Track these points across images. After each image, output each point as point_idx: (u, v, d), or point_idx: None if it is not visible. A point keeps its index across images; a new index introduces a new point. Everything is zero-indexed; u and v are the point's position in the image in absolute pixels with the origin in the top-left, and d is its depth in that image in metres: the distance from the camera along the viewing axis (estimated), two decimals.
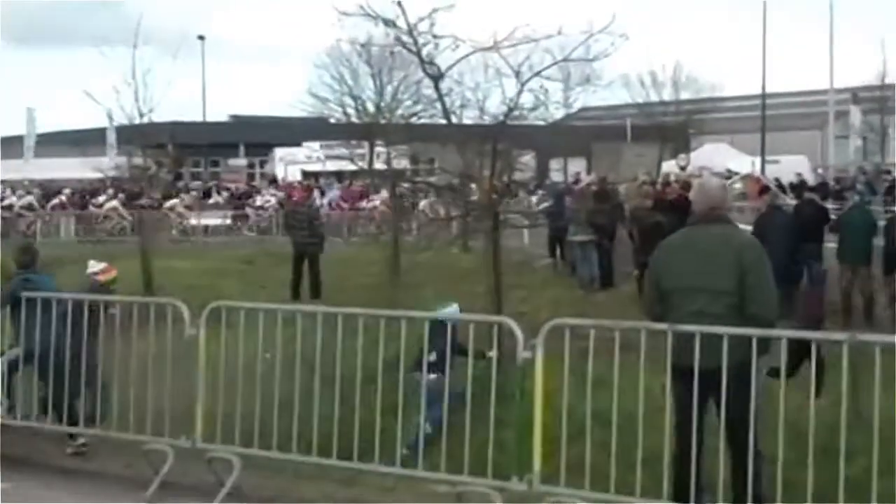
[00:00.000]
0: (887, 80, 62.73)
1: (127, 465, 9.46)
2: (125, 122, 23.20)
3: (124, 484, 9.05)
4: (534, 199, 32.92)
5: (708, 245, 7.69)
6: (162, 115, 23.62)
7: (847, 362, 7.02)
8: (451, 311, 11.23)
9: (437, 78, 14.60)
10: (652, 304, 7.96)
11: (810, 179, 44.52)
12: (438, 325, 10.01)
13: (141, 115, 22.17)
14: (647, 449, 7.60)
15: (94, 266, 11.99)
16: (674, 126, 62.38)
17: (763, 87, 52.15)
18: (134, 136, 25.26)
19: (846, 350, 7.04)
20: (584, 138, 58.14)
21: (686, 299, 7.58)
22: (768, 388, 7.52)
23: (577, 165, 55.14)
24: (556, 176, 52.06)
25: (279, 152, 57.21)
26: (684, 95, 70.65)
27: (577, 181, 34.48)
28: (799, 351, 8.01)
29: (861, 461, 7.09)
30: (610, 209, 23.62)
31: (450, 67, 14.60)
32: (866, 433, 6.99)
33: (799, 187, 33.59)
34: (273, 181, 50.44)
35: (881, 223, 20.30)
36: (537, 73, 14.38)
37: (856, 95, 56.51)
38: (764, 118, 52.25)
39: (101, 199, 40.52)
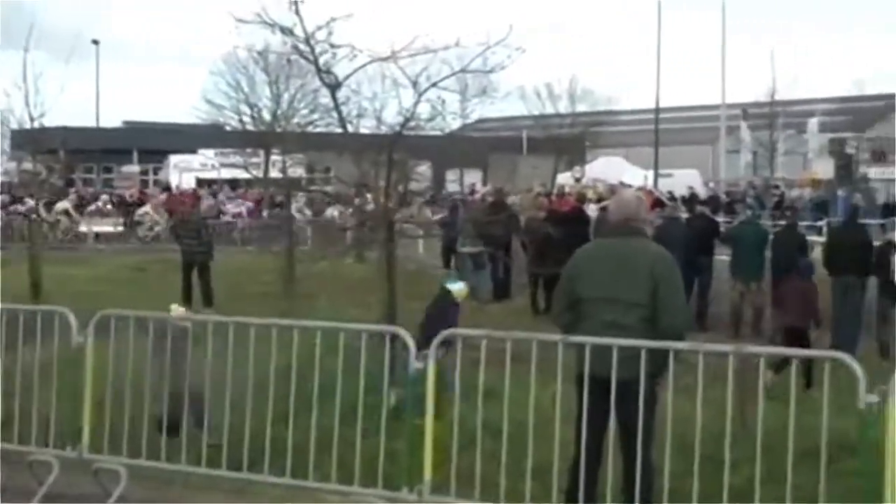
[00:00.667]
0: (776, 97, 64.11)
1: (10, 476, 9.25)
2: (15, 126, 22.83)
3: (7, 495, 8.85)
4: (428, 210, 32.95)
5: (622, 256, 7.73)
6: (54, 120, 23.30)
7: (732, 373, 7.13)
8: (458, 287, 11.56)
9: (333, 87, 14.57)
10: (562, 313, 7.98)
11: (702, 193, 45.29)
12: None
13: (32, 120, 21.81)
14: (538, 458, 7.65)
15: None
16: (569, 138, 63.02)
17: (657, 102, 53.06)
18: (25, 140, 24.85)
19: (732, 361, 7.14)
20: (480, 149, 58.49)
21: (598, 309, 7.62)
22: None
23: (473, 176, 55.44)
24: (452, 187, 52.26)
25: (173, 159, 56.63)
26: (580, 108, 71.44)
27: (472, 192, 34.67)
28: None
29: (745, 470, 7.20)
30: (505, 220, 23.75)
31: (347, 77, 14.59)
32: (752, 443, 7.10)
33: (690, 201, 34.14)
34: (167, 188, 49.93)
35: (771, 237, 20.74)
36: (434, 84, 14.42)
37: (746, 111, 57.74)
38: (657, 132, 53.09)
39: None
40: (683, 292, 7.80)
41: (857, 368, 6.62)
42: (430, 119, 15.28)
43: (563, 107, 71.18)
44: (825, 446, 6.84)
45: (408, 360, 7.83)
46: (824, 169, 60.82)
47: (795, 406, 7.08)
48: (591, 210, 25.50)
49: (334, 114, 15.39)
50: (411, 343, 7.86)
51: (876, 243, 19.59)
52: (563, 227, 21.87)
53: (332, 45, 14.11)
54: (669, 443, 7.22)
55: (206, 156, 54.54)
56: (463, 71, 14.96)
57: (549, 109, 71.06)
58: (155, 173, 61.55)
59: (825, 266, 19.06)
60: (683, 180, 47.07)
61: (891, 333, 17.67)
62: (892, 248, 18.22)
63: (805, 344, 15.18)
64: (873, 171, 68.15)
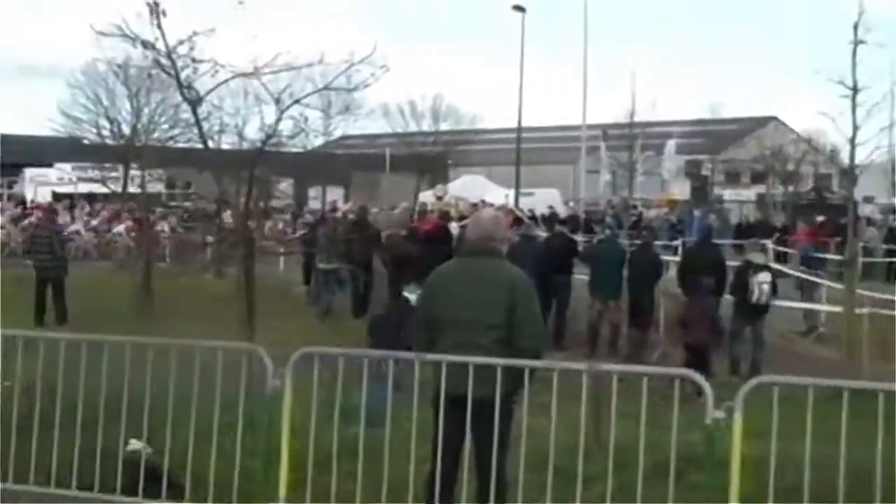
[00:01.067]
0: (635, 119, 65.25)
1: None
2: None
3: None
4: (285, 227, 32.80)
5: (479, 277, 7.72)
6: None
7: (587, 390, 7.26)
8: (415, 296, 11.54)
9: (195, 102, 14.43)
10: (420, 331, 7.97)
11: (562, 212, 45.89)
12: None
13: None
14: (394, 476, 7.68)
15: None
16: (432, 156, 63.24)
17: (519, 122, 53.49)
18: None
19: (585, 379, 7.27)
20: (343, 166, 58.44)
21: (455, 329, 7.61)
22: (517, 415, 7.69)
23: (335, 194, 55.27)
24: (314, 204, 52.06)
25: (29, 173, 55.31)
26: (443, 127, 71.81)
27: (333, 209, 34.58)
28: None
29: (598, 485, 7.34)
30: (366, 237, 23.78)
31: (208, 92, 14.47)
32: (606, 458, 7.23)
33: (550, 219, 34.57)
34: (22, 203, 48.76)
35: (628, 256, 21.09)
36: (297, 101, 14.40)
37: (606, 132, 58.69)
38: (519, 151, 53.54)
39: None
40: (540, 314, 7.85)
41: (705, 385, 6.79)
42: (293, 136, 15.26)
43: (427, 125, 71.60)
44: (674, 461, 7.00)
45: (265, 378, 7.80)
46: (681, 190, 62.17)
47: (648, 422, 7.24)
48: (454, 228, 25.64)
49: (195, 129, 15.24)
50: (268, 361, 7.82)
51: (731, 263, 20.11)
52: (425, 245, 22.01)
53: (194, 60, 13.99)
54: (523, 458, 7.31)
55: (63, 170, 53.40)
56: (326, 88, 14.97)
57: (413, 127, 71.39)
58: (10, 187, 60.04)
59: (679, 285, 19.51)
60: (544, 199, 47.64)
61: (743, 351, 18.15)
62: (750, 268, 18.69)
63: (706, 361, 15.76)
64: (727, 193, 70.02)
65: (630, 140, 62.31)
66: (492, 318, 7.55)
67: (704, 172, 75.47)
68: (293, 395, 7.72)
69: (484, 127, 75.74)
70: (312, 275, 24.99)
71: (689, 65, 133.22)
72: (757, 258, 19.40)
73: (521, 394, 7.42)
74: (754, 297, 18.21)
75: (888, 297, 21.27)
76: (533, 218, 35.75)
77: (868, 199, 64.66)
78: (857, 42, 17.51)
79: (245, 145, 15.77)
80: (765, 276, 18.36)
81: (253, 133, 15.43)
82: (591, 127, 55.16)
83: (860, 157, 19.53)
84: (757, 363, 17.59)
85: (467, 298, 7.64)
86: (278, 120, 14.40)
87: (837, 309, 17.56)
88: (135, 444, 8.39)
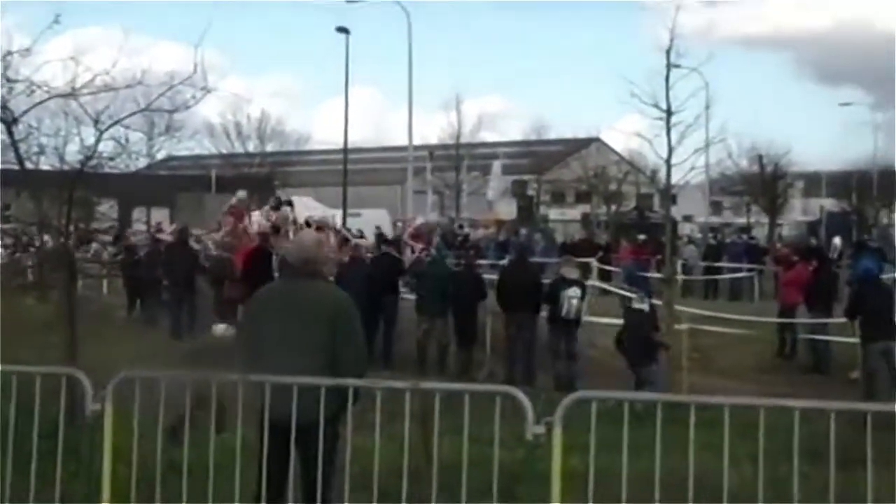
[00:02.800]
0: (461, 140, 66.05)
1: None
2: None
3: None
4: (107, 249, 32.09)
5: (300, 300, 7.70)
6: None
7: (412, 409, 7.32)
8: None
9: (10, 123, 14.09)
10: (242, 353, 7.91)
11: (389, 232, 46.00)
12: None
13: None
14: (220, 499, 7.63)
15: None
16: (259, 177, 62.86)
17: (345, 143, 53.56)
18: None
19: (409, 397, 7.33)
20: (168, 188, 57.57)
21: (278, 352, 7.57)
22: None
23: (160, 215, 54.43)
24: (138, 226, 51.16)
25: None
26: (269, 148, 71.54)
27: (159, 230, 34.05)
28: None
29: None
30: (186, 259, 23.57)
31: (24, 112, 14.12)
32: (433, 478, 7.31)
33: (377, 240, 34.58)
34: None
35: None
36: (117, 122, 14.15)
37: (432, 153, 59.22)
38: (346, 172, 53.59)
39: None
40: (362, 337, 7.84)
41: (525, 401, 6.92)
42: (114, 157, 14.98)
43: (253, 146, 71.27)
44: (497, 477, 7.10)
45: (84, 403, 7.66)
46: (507, 210, 63.02)
47: (476, 440, 7.33)
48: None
49: (12, 150, 14.87)
50: (88, 385, 7.69)
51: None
52: (246, 268, 21.88)
53: (9, 80, 13.67)
54: (349, 480, 7.34)
55: None
56: (147, 109, 14.76)
57: (239, 148, 70.97)
58: None
59: (498, 303, 19.87)
60: (372, 219, 47.70)
61: (563, 366, 18.52)
62: (562, 282, 19.11)
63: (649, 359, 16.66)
64: (553, 212, 71.30)
65: (456, 161, 63.07)
66: (313, 342, 7.53)
67: (530, 192, 76.68)
68: (115, 419, 7.61)
69: (310, 148, 75.86)
70: (143, 298, 24.68)
71: (514, 87, 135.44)
72: (569, 273, 19.82)
73: (346, 415, 7.43)
74: (563, 311, 18.64)
75: (706, 313, 22.01)
76: (362, 237, 35.69)
77: (687, 219, 66.67)
78: (669, 66, 18.07)
79: (65, 167, 15.41)
80: (574, 291, 18.82)
81: (73, 154, 15.08)
82: (417, 148, 55.55)
83: (677, 178, 20.16)
84: (572, 377, 17.97)
85: (287, 321, 7.62)
86: (98, 141, 14.11)
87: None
88: None
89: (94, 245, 27.39)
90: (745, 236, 46.70)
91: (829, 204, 69.63)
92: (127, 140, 14.86)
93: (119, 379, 7.70)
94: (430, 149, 60.87)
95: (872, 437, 6.62)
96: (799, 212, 76.72)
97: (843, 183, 73.76)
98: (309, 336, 7.55)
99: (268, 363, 7.57)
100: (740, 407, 7.27)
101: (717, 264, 38.24)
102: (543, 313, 19.36)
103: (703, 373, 18.37)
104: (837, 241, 38.02)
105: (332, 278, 17.62)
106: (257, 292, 8.20)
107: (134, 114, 14.51)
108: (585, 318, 19.55)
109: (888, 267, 32.30)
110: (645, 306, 17.32)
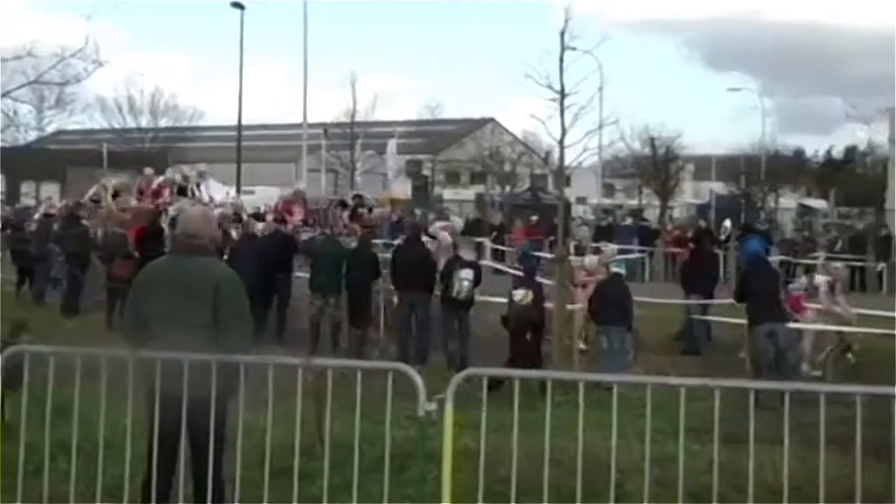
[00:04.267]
0: (356, 119, 65.85)
1: None
2: None
3: None
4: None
5: (185, 275, 7.64)
6: None
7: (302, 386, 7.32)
8: None
9: None
10: (130, 330, 7.83)
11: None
12: None
13: None
14: (111, 476, 7.57)
15: None
16: (151, 153, 62.07)
17: (239, 119, 53.02)
18: None
19: (301, 374, 7.33)
20: (58, 162, 56.51)
21: (163, 329, 7.52)
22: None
23: (50, 189, 53.46)
24: (26, 200, 50.19)
25: None
26: (163, 123, 70.68)
27: (51, 206, 33.52)
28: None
29: (317, 483, 7.43)
30: (78, 234, 23.26)
31: None
32: (325, 455, 7.31)
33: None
34: None
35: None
36: (5, 94, 13.99)
37: (327, 131, 58.89)
38: (240, 149, 53.10)
39: None
40: (248, 313, 7.75)
41: (417, 379, 6.96)
42: (2, 129, 14.74)
43: (146, 121, 70.37)
44: (388, 455, 7.13)
45: None
46: (402, 189, 62.94)
47: (369, 417, 7.36)
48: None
49: None
50: None
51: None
52: (142, 242, 21.67)
53: None
54: (241, 457, 7.33)
55: None
56: (37, 82, 14.58)
57: (131, 123, 70.02)
58: None
59: (391, 282, 19.91)
60: (266, 197, 47.31)
61: (457, 346, 18.61)
62: (456, 262, 19.18)
63: (535, 336, 17.21)
64: (448, 192, 71.41)
65: (351, 139, 62.80)
66: (197, 318, 7.49)
67: (425, 172, 76.73)
68: (2, 396, 7.49)
69: (204, 124, 75.03)
70: (32, 272, 24.35)
71: (409, 66, 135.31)
72: (466, 254, 19.94)
73: (237, 391, 7.40)
74: (454, 291, 18.73)
75: None
76: (258, 217, 35.37)
77: (581, 200, 67.26)
78: (563, 48, 18.20)
79: None
80: (467, 273, 18.87)
81: None
82: (312, 125, 55.19)
83: (570, 159, 20.38)
84: (464, 356, 18.08)
85: (174, 297, 7.58)
86: None
87: (549, 305, 18.16)
88: None
89: None
90: (636, 218, 47.22)
91: (719, 187, 70.66)
92: (15, 113, 14.70)
93: (8, 354, 7.59)
94: (326, 126, 60.52)
95: (756, 416, 6.77)
96: (690, 195, 77.83)
97: (733, 167, 75.05)
98: (192, 312, 7.50)
99: (154, 340, 7.52)
100: (628, 385, 7.39)
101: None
102: (437, 292, 19.41)
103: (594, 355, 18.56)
104: (728, 223, 38.57)
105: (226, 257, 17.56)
106: (144, 268, 8.15)
107: (23, 86, 14.37)
108: (479, 298, 19.62)
109: (774, 250, 33.01)
110: (528, 300, 17.49)
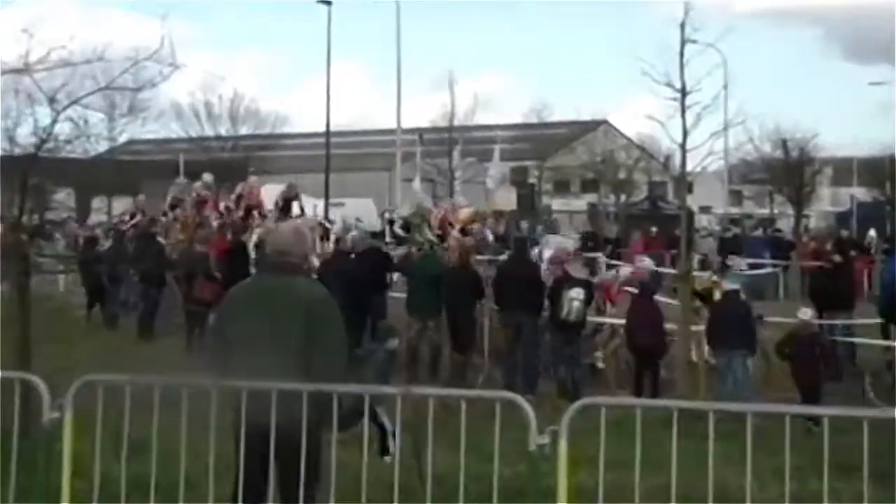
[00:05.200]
0: (455, 123, 65.79)
1: None
2: None
3: None
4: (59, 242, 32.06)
5: (274, 297, 7.65)
6: None
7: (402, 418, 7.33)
8: None
9: None
10: (214, 357, 7.89)
11: (376, 224, 45.93)
12: None
13: None
14: None
15: None
16: (232, 163, 62.66)
17: (327, 125, 53.47)
18: None
19: (400, 403, 7.34)
20: (131, 174, 57.40)
21: (248, 356, 7.53)
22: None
23: (123, 204, 54.35)
24: (98, 216, 51.03)
25: None
26: (243, 130, 71.28)
27: (122, 222, 34.04)
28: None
29: None
30: (155, 253, 23.56)
31: None
32: (426, 494, 7.30)
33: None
34: None
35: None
36: (75, 102, 14.12)
37: (422, 137, 59.08)
38: (328, 158, 53.53)
39: None
40: (342, 339, 7.72)
41: (528, 409, 6.91)
42: (71, 140, 14.96)
43: (225, 129, 71.06)
44: (497, 494, 7.10)
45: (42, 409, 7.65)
46: (506, 199, 62.90)
47: (473, 451, 7.33)
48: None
49: None
50: (45, 390, 7.66)
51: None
52: (224, 261, 21.91)
53: None
54: (334, 495, 7.34)
55: None
56: (108, 87, 14.75)
57: (209, 131, 70.72)
58: None
59: (496, 302, 19.80)
60: (357, 210, 47.64)
61: (569, 372, 18.49)
62: (566, 281, 19.01)
63: (656, 360, 17.16)
64: (556, 203, 71.24)
65: (449, 145, 62.87)
66: (287, 344, 7.48)
67: (531, 180, 76.67)
68: (74, 428, 7.59)
69: (289, 131, 75.61)
70: (103, 295, 24.70)
71: (512, 65, 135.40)
72: (575, 271, 19.73)
73: (330, 423, 7.40)
74: (563, 313, 18.56)
75: None
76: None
77: (705, 209, 66.72)
78: (684, 41, 17.99)
79: (17, 151, 15.38)
80: (577, 292, 18.64)
81: (25, 137, 15.04)
82: (406, 131, 55.47)
83: (692, 164, 20.09)
84: (577, 384, 17.96)
85: (261, 321, 7.58)
86: (54, 122, 14.08)
87: (672, 326, 18.00)
88: None
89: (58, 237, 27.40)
90: (768, 229, 46.71)
91: (861, 193, 69.64)
92: (86, 121, 14.85)
93: (80, 384, 7.69)
94: (421, 132, 60.79)
95: None
96: (828, 202, 76.80)
97: (876, 170, 73.64)
98: (280, 337, 7.50)
99: (240, 367, 7.54)
100: (764, 415, 7.27)
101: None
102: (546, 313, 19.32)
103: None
104: (872, 233, 37.99)
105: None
106: (230, 290, 8.17)
107: (93, 92, 14.47)
108: (591, 319, 19.51)
109: None
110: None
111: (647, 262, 23.49)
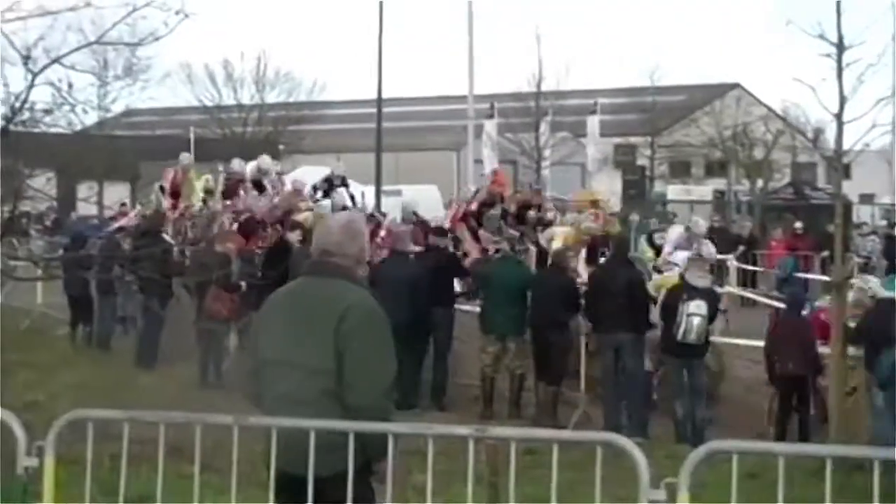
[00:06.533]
0: (543, 88, 65.32)
1: None
2: None
3: None
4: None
5: (309, 305, 7.65)
6: None
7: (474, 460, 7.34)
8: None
9: None
10: (248, 381, 7.95)
11: (442, 217, 45.89)
12: None
13: None
14: None
15: None
16: (256, 139, 62.77)
17: (379, 91, 53.28)
18: None
19: (472, 446, 7.35)
20: (128, 154, 57.71)
21: (276, 377, 7.57)
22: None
23: (118, 192, 54.59)
24: (85, 208, 51.25)
25: None
26: (271, 98, 71.24)
27: (121, 213, 34.32)
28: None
29: None
30: (160, 254, 23.63)
31: None
32: None
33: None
34: None
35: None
36: (56, 60, 14.23)
37: (493, 106, 58.72)
38: (380, 132, 53.51)
39: None
40: (384, 355, 7.56)
41: (638, 455, 6.90)
42: (51, 110, 15.05)
43: (248, 95, 71.11)
44: None
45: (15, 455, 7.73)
46: (609, 185, 62.74)
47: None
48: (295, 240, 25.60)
49: None
50: (19, 431, 7.72)
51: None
52: (266, 265, 21.97)
53: None
54: None
55: None
56: (98, 42, 14.84)
57: (229, 99, 70.81)
58: None
59: (587, 318, 19.64)
60: (416, 198, 47.67)
61: (686, 407, 18.38)
62: (683, 291, 18.80)
63: (805, 394, 17.06)
64: (673, 190, 70.85)
65: (536, 117, 62.63)
66: (315, 362, 7.44)
67: (641, 162, 76.50)
68: (57, 477, 7.66)
69: (330, 99, 75.65)
70: (90, 309, 24.85)
71: (615, 15, 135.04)
72: (695, 278, 19.54)
73: (382, 470, 7.42)
74: (680, 333, 18.36)
75: None
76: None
77: (867, 199, 66.16)
78: None
79: None
80: (697, 306, 18.34)
81: None
82: (480, 98, 55.35)
83: (851, 141, 19.84)
84: (699, 423, 17.89)
85: (294, 333, 7.59)
86: (30, 87, 14.18)
87: (825, 350, 17.91)
88: None
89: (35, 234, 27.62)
90: None
91: None
92: (70, 86, 14.89)
93: (64, 422, 7.75)
94: (497, 99, 60.66)
95: None
96: None
97: None
98: (309, 354, 7.48)
99: (270, 392, 7.60)
100: None
101: None
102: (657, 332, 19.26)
103: None
104: None
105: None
106: (269, 296, 8.16)
107: (80, 48, 14.57)
108: (720, 339, 19.43)
109: None
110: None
111: (707, 248, 23.35)
